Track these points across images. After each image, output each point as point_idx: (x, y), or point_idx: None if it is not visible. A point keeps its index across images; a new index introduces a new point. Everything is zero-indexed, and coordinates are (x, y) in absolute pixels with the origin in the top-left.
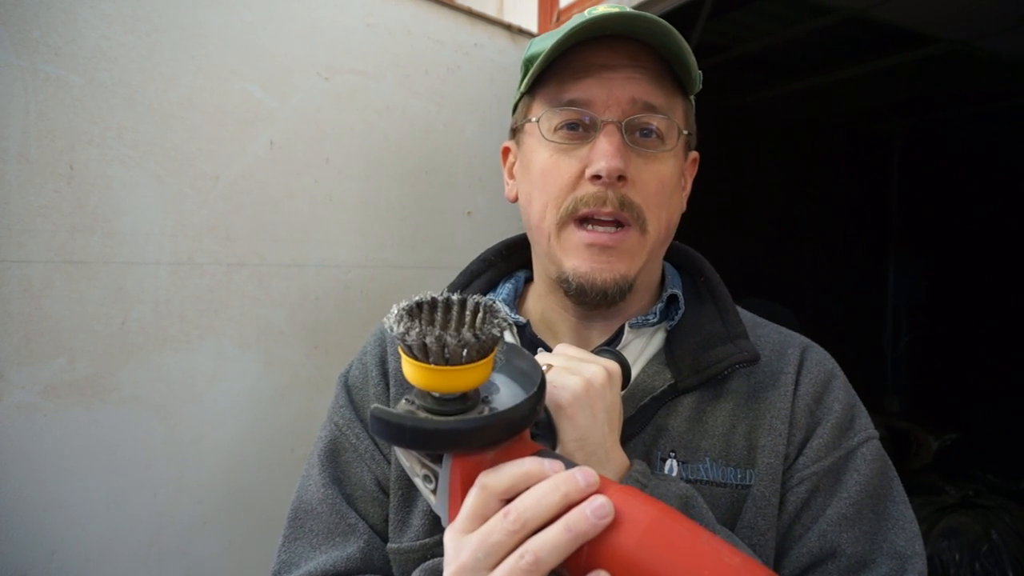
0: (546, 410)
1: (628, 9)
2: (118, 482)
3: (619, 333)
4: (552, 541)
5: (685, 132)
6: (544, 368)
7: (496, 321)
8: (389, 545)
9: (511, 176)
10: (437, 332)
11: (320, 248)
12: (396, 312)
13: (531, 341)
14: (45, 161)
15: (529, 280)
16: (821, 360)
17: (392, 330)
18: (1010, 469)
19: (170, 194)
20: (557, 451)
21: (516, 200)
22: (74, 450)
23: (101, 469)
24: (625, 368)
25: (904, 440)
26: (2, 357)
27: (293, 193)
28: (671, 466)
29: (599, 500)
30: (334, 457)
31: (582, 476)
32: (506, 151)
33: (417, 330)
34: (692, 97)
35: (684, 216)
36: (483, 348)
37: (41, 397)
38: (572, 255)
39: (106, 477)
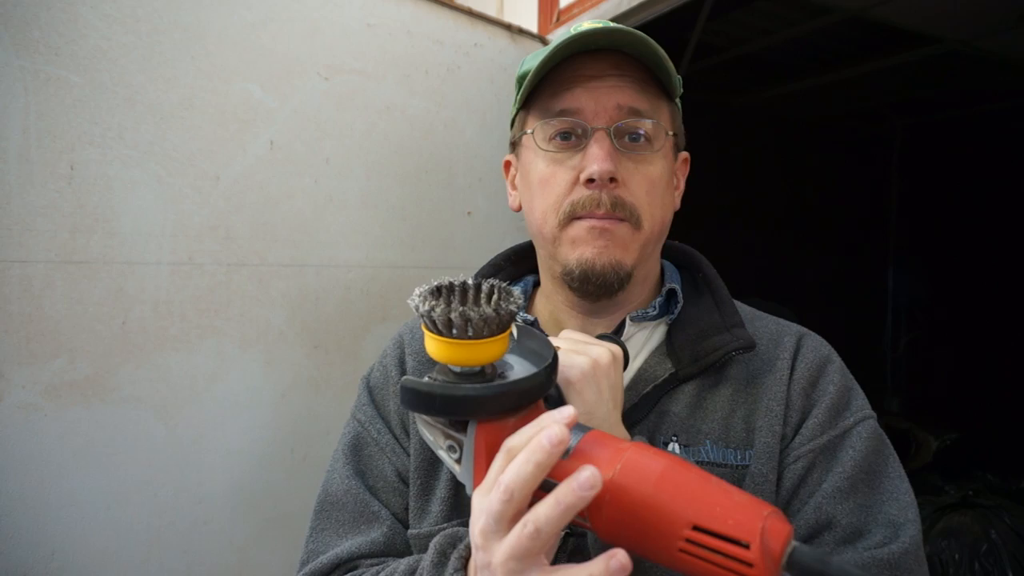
0: (556, 387)
1: (608, 23)
2: (118, 482)
3: (621, 327)
4: (546, 513)
5: (671, 133)
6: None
7: (511, 299)
8: (410, 531)
9: (513, 187)
10: (461, 308)
11: (320, 248)
12: (420, 293)
13: None
14: (45, 161)
15: (537, 284)
16: (817, 346)
17: (418, 308)
18: (1010, 469)
19: (170, 194)
20: None
21: (519, 209)
22: (74, 450)
23: (101, 469)
24: (624, 352)
25: (904, 440)
26: (2, 357)
27: (293, 193)
28: (673, 449)
29: (584, 474)
30: (357, 451)
31: (547, 439)
32: (507, 164)
33: (442, 307)
34: (679, 101)
35: (684, 216)
36: (502, 323)
37: (41, 397)
38: (577, 245)
39: (106, 477)
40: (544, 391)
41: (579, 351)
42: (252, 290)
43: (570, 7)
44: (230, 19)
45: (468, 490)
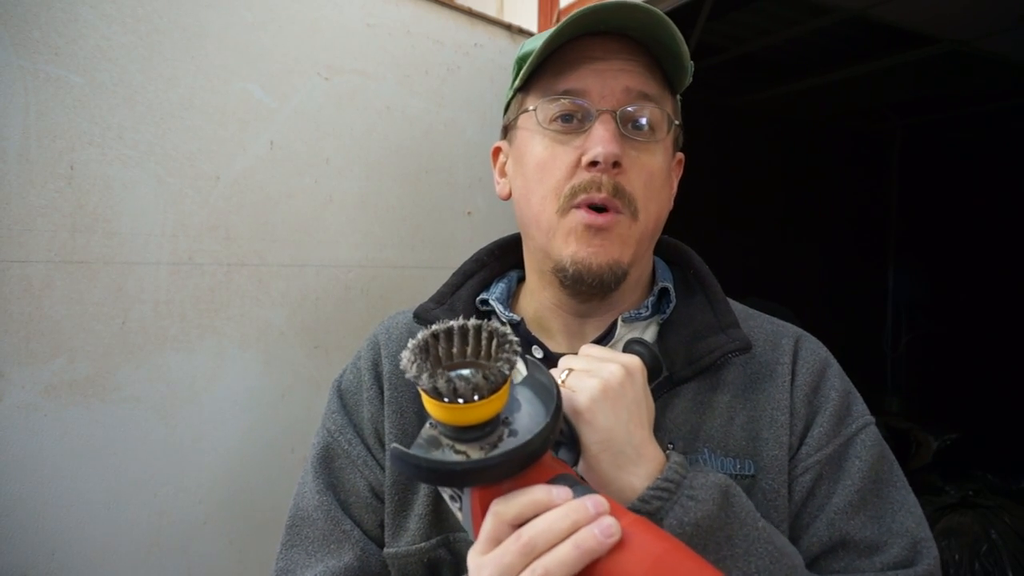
0: (566, 418)
1: (621, 0)
2: (118, 482)
3: (612, 328)
4: (561, 557)
5: (676, 122)
6: (565, 374)
7: (505, 356)
8: (386, 550)
9: (502, 175)
10: (447, 376)
11: (320, 248)
12: (412, 347)
13: (525, 338)
14: (45, 161)
15: (522, 280)
16: (815, 349)
17: (406, 372)
18: (1010, 469)
19: (170, 194)
20: (581, 460)
21: (508, 197)
22: (74, 450)
23: (101, 469)
24: (652, 358)
25: (904, 440)
26: (2, 357)
27: (293, 193)
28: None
29: (607, 520)
30: (327, 463)
31: (592, 504)
32: (496, 151)
33: (428, 373)
34: (679, 97)
35: (683, 216)
36: (494, 386)
37: (41, 397)
38: (572, 241)
39: (106, 477)
40: (539, 455)
41: (592, 372)
42: (252, 290)
43: (570, 7)
44: (230, 19)
45: (470, 537)
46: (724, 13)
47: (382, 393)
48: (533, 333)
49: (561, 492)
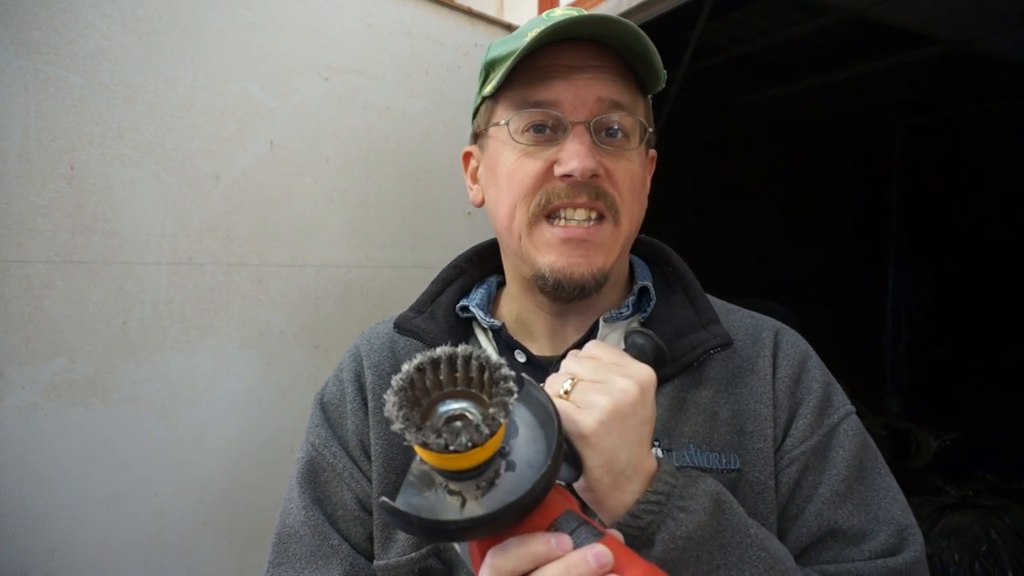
0: (568, 440)
1: (592, 12)
2: (118, 482)
3: (594, 328)
4: None
5: (651, 129)
6: (568, 383)
7: (499, 400)
8: (376, 562)
9: (474, 181)
10: (437, 429)
11: (320, 248)
12: (393, 399)
13: (507, 343)
14: (45, 161)
15: (501, 284)
16: (795, 342)
17: (392, 424)
18: (1010, 469)
19: (170, 194)
20: (581, 480)
21: (482, 204)
22: (74, 450)
23: (101, 469)
24: (657, 351)
25: (904, 440)
26: (2, 357)
27: (293, 193)
28: (656, 454)
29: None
30: (313, 478)
31: (594, 558)
32: (467, 156)
33: (415, 428)
34: (649, 98)
35: (684, 216)
36: (489, 436)
37: (41, 397)
38: (547, 251)
39: (106, 477)
40: (540, 502)
41: (601, 386)
42: (252, 290)
43: (570, 7)
44: (230, 19)
45: (469, 568)
46: (724, 13)
47: (366, 404)
48: (515, 337)
49: (562, 542)
